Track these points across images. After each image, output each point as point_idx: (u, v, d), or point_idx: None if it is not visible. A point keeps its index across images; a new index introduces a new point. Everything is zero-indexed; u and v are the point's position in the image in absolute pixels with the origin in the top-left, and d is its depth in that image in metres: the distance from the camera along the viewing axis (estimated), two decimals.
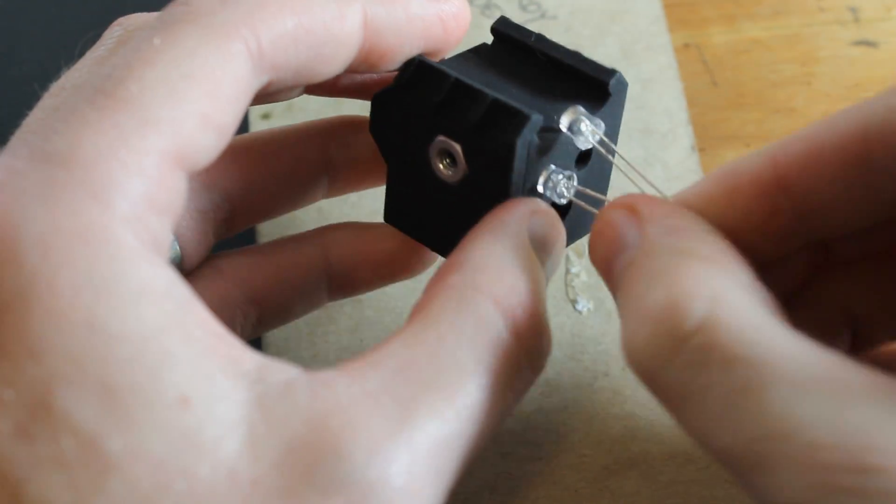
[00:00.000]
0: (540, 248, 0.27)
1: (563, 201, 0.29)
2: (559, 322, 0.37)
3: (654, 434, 0.35)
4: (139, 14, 0.28)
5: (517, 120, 0.27)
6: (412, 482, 0.22)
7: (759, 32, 0.45)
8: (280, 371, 0.23)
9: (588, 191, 0.29)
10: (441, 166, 0.29)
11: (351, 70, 0.28)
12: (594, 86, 0.30)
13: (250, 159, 0.31)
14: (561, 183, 0.29)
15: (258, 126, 0.42)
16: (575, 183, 0.29)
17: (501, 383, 0.24)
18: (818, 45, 0.44)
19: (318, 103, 0.42)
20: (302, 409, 0.22)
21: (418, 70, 0.28)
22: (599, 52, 0.43)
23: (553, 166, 0.29)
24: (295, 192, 0.33)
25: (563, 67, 0.30)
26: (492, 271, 0.25)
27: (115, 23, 0.27)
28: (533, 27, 0.43)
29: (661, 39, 0.43)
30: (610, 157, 0.30)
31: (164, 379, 0.21)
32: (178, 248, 0.30)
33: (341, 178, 0.33)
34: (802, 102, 0.43)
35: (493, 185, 0.28)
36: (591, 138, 0.29)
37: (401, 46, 0.28)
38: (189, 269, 0.31)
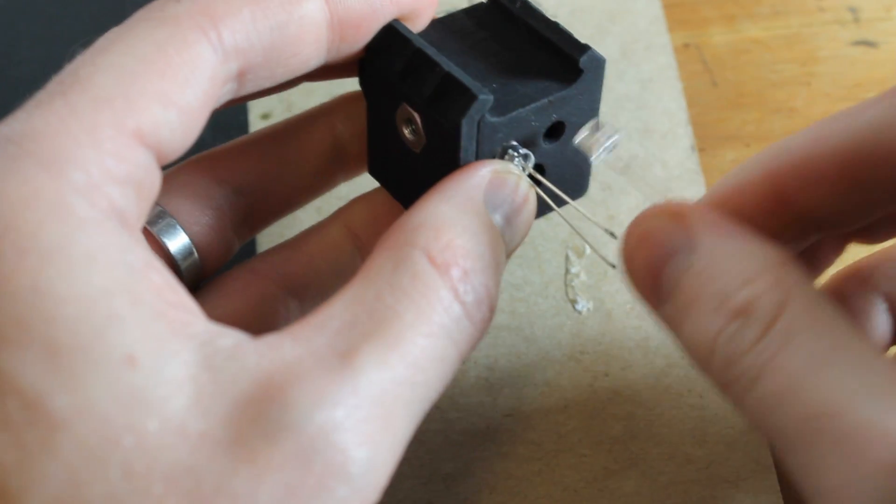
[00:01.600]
0: (498, 209, 0.27)
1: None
2: (559, 322, 0.37)
3: (654, 434, 0.35)
4: None
5: (465, 98, 0.27)
6: (360, 425, 0.22)
7: (759, 32, 0.45)
8: (229, 335, 0.23)
9: (547, 183, 0.29)
10: (406, 132, 0.29)
11: (334, 49, 0.27)
12: (568, 62, 0.29)
13: (258, 150, 0.32)
14: (515, 161, 0.29)
15: (258, 126, 0.42)
16: (531, 162, 0.29)
17: (442, 334, 0.24)
18: (818, 45, 0.44)
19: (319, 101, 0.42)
20: (249, 369, 0.22)
21: (384, 34, 0.28)
22: (599, 51, 0.43)
23: (514, 142, 0.29)
24: (309, 175, 0.33)
25: (542, 39, 0.30)
26: (430, 230, 0.25)
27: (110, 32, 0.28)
28: None
29: (661, 39, 0.43)
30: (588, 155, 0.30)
31: (110, 339, 0.21)
32: (195, 251, 0.30)
33: (353, 155, 0.33)
34: (802, 102, 0.43)
35: (446, 156, 0.28)
36: (603, 156, 0.29)
37: (373, 14, 0.28)
38: (213, 269, 0.31)
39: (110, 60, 0.24)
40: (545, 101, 0.29)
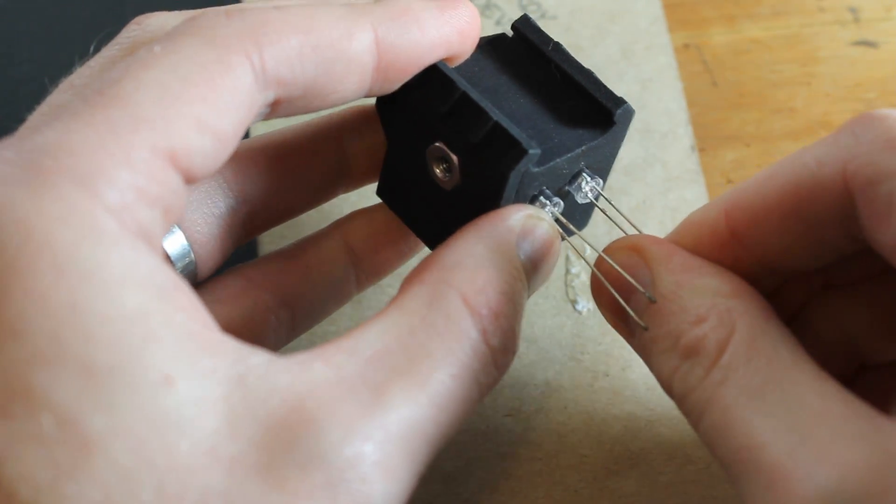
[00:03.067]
0: (526, 254, 0.28)
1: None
2: (559, 322, 0.37)
3: (654, 434, 0.35)
4: (158, 13, 0.28)
5: (515, 152, 0.27)
6: (386, 460, 0.23)
7: (759, 32, 0.45)
8: (258, 354, 0.23)
9: (572, 226, 0.30)
10: (437, 170, 0.29)
11: (373, 90, 0.28)
12: (600, 111, 0.30)
13: (265, 160, 0.32)
14: (546, 208, 0.29)
15: (257, 129, 0.42)
16: (559, 209, 0.29)
17: (469, 376, 0.25)
18: (818, 46, 0.44)
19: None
20: (280, 390, 0.22)
21: (428, 72, 0.28)
22: (599, 52, 0.43)
23: (545, 189, 0.29)
24: (312, 188, 0.33)
25: (575, 84, 0.30)
26: (466, 271, 0.26)
27: (134, 21, 0.28)
28: None
29: (661, 39, 0.43)
30: (599, 207, 0.31)
31: (146, 359, 0.21)
32: (192, 255, 0.30)
33: (358, 170, 0.33)
34: (802, 102, 0.43)
35: (483, 200, 0.28)
36: (590, 195, 0.30)
37: (418, 63, 0.28)
38: (206, 273, 0.31)
39: (153, 77, 0.24)
40: (579, 150, 0.29)
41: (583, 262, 0.38)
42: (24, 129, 0.24)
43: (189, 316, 0.23)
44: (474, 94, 0.28)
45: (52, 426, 0.20)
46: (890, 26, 0.45)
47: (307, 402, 0.22)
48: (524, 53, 0.31)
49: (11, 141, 0.23)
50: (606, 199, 0.31)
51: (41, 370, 0.21)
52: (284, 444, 0.22)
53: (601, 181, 0.30)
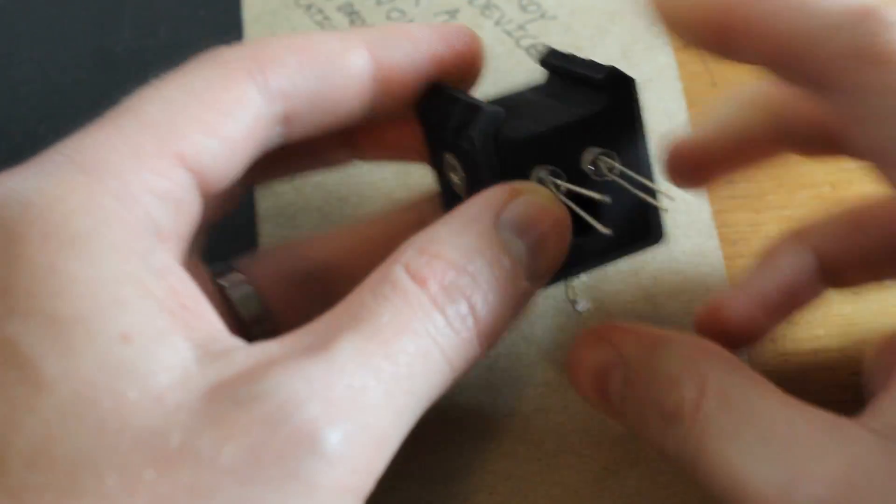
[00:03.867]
0: (516, 229, 0.26)
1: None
2: (559, 322, 0.37)
3: None
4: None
5: (477, 115, 0.27)
6: (333, 405, 0.22)
7: None
8: (228, 340, 0.24)
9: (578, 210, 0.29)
10: (455, 180, 0.29)
11: (380, 102, 0.29)
12: (596, 88, 0.29)
13: (349, 236, 0.34)
14: (550, 186, 0.28)
15: None
16: (562, 181, 0.28)
17: (422, 334, 0.24)
18: None
19: None
20: (236, 363, 0.23)
21: (429, 91, 0.30)
22: (599, 52, 0.43)
23: (555, 169, 0.28)
24: (317, 152, 0.34)
25: (577, 76, 0.30)
26: (415, 247, 0.25)
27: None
28: (533, 28, 0.43)
29: (661, 39, 0.43)
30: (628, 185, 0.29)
31: (107, 317, 0.23)
32: (257, 302, 0.32)
33: (364, 143, 0.34)
34: None
35: (478, 185, 0.28)
36: (610, 174, 0.29)
37: (414, 75, 0.29)
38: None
39: (161, 94, 0.26)
40: (570, 121, 0.28)
41: None
42: None
43: (173, 296, 0.24)
44: (459, 94, 0.28)
45: (12, 369, 0.22)
46: None
47: (258, 366, 0.23)
48: (562, 83, 0.31)
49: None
50: (629, 175, 0.29)
51: (13, 322, 0.23)
52: (228, 393, 0.22)
53: (615, 159, 0.29)
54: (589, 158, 0.29)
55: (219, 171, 0.27)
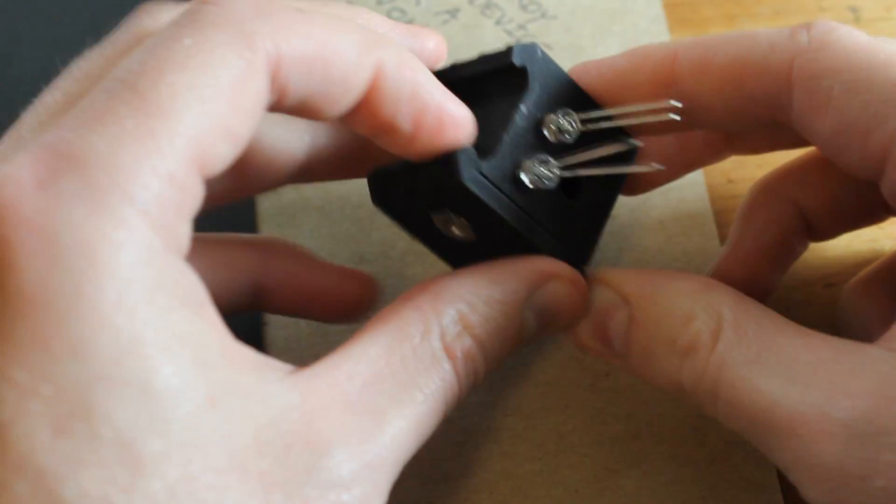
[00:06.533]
0: (539, 314, 0.29)
1: (562, 176, 0.29)
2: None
3: (654, 434, 0.35)
4: (169, 7, 0.28)
5: (452, 164, 0.27)
6: (377, 481, 0.25)
7: None
8: (272, 368, 0.25)
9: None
10: (457, 232, 0.30)
11: (346, 119, 0.28)
12: (510, 70, 0.29)
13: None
14: (540, 170, 0.29)
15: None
16: (552, 161, 0.29)
17: (441, 408, 0.27)
18: None
19: None
20: (294, 408, 0.24)
21: (380, 181, 0.30)
22: (599, 52, 0.43)
23: (539, 156, 0.29)
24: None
25: (483, 75, 0.30)
26: (455, 311, 0.28)
27: (143, 10, 0.28)
28: (533, 27, 0.43)
29: (662, 39, 0.43)
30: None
31: (197, 382, 0.23)
32: None
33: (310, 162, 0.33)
34: None
35: (488, 222, 0.29)
36: (579, 127, 0.30)
37: (393, 115, 0.27)
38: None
39: (187, 82, 0.24)
40: (515, 116, 0.28)
41: None
42: (62, 119, 0.24)
43: (218, 332, 0.24)
44: (415, 162, 0.28)
45: (112, 447, 0.22)
46: (890, 26, 0.44)
47: (319, 422, 0.24)
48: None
49: (55, 139, 0.23)
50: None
51: (103, 391, 0.22)
52: (304, 463, 0.24)
53: (570, 115, 0.30)
54: (553, 128, 0.29)
55: (221, 170, 0.25)
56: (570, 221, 0.30)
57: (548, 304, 0.29)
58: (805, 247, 0.35)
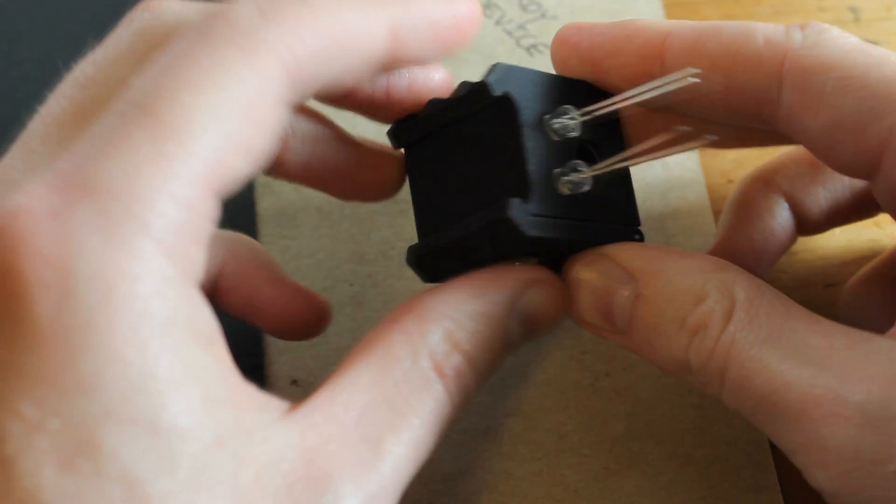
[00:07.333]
0: (523, 321, 0.29)
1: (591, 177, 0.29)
2: (559, 322, 0.37)
3: (654, 434, 0.35)
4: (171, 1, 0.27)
5: (508, 224, 0.27)
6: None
7: None
8: (271, 404, 0.25)
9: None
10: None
11: (367, 77, 0.28)
12: (494, 103, 0.29)
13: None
14: (572, 178, 0.29)
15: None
16: (577, 162, 0.29)
17: (438, 428, 0.27)
18: None
19: None
20: (293, 445, 0.24)
21: (425, 258, 0.30)
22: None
23: (564, 173, 0.29)
24: None
25: (462, 119, 0.29)
26: (444, 330, 0.27)
27: (143, 6, 0.27)
28: (533, 27, 0.43)
29: None
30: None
31: (205, 421, 0.23)
32: None
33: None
34: None
35: (558, 246, 0.29)
36: (579, 122, 0.29)
37: (422, 52, 0.28)
38: None
39: (202, 102, 0.23)
40: (524, 142, 0.28)
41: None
42: (71, 144, 0.23)
43: (226, 369, 0.24)
44: (450, 236, 0.29)
45: (117, 486, 0.21)
46: (890, 26, 0.44)
47: (319, 458, 0.24)
48: (427, 149, 0.30)
49: (66, 164, 0.23)
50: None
51: (109, 428, 0.21)
52: (307, 500, 0.24)
53: (569, 111, 0.30)
54: (557, 132, 0.29)
55: (238, 186, 0.25)
56: (612, 200, 0.30)
57: (531, 310, 0.29)
58: (793, 240, 0.35)
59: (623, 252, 0.29)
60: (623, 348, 0.30)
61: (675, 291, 0.28)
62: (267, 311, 0.32)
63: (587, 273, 0.29)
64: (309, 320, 0.33)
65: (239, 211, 0.38)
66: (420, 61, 0.29)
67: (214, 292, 0.32)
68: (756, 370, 0.26)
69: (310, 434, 0.24)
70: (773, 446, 0.34)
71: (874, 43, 0.44)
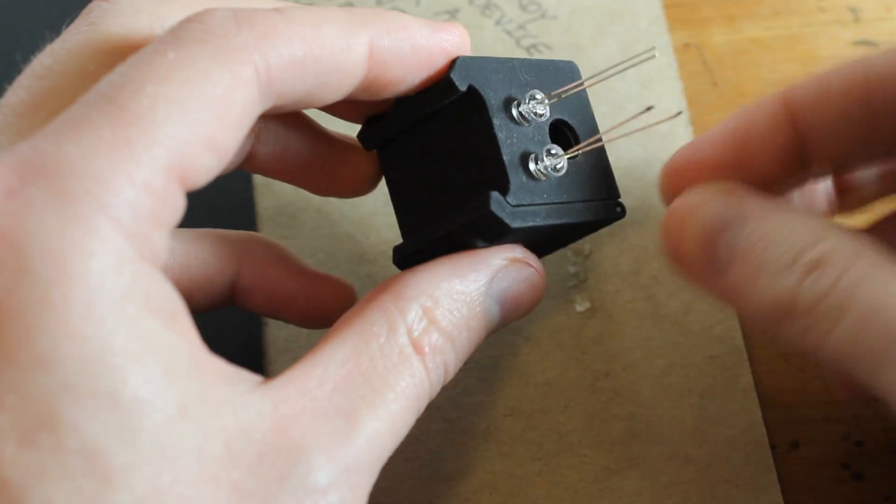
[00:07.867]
0: (500, 300, 0.29)
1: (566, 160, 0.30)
2: (559, 322, 0.37)
3: (654, 434, 0.35)
4: None
5: (491, 218, 0.28)
6: (356, 484, 0.25)
7: (759, 32, 0.45)
8: (243, 378, 0.25)
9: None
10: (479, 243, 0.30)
11: (350, 97, 0.28)
12: (461, 99, 0.29)
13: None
14: (547, 163, 0.29)
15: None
16: (555, 151, 0.29)
17: (415, 404, 0.27)
18: (818, 45, 0.44)
19: None
20: (265, 416, 0.24)
21: (407, 255, 0.30)
22: (599, 51, 0.43)
23: (538, 158, 0.29)
24: None
25: (430, 116, 0.29)
26: (420, 306, 0.27)
27: None
28: (533, 27, 0.43)
29: (661, 39, 0.43)
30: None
31: (166, 392, 0.22)
32: None
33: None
34: None
35: (540, 231, 0.29)
36: (548, 104, 0.30)
37: (404, 76, 0.28)
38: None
39: (168, 93, 0.23)
40: (496, 133, 0.28)
41: (583, 261, 0.38)
42: (31, 130, 0.24)
43: (190, 342, 0.24)
44: (448, 222, 0.29)
45: (78, 459, 0.21)
46: (890, 26, 0.44)
47: (292, 429, 0.24)
48: (399, 147, 0.31)
49: (27, 148, 0.23)
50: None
51: (70, 402, 0.21)
52: (277, 472, 0.24)
53: (541, 97, 0.30)
54: (526, 117, 0.29)
55: (205, 182, 0.25)
56: (590, 176, 0.31)
57: (509, 289, 0.29)
58: (795, 177, 0.32)
59: (743, 191, 0.29)
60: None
61: (791, 230, 0.27)
62: (293, 304, 0.33)
63: (702, 205, 0.29)
64: (335, 305, 0.33)
65: (239, 211, 0.38)
66: (401, 85, 0.28)
67: (235, 294, 0.32)
68: (891, 305, 0.25)
69: (283, 406, 0.24)
70: (773, 446, 0.34)
71: (874, 43, 0.44)
